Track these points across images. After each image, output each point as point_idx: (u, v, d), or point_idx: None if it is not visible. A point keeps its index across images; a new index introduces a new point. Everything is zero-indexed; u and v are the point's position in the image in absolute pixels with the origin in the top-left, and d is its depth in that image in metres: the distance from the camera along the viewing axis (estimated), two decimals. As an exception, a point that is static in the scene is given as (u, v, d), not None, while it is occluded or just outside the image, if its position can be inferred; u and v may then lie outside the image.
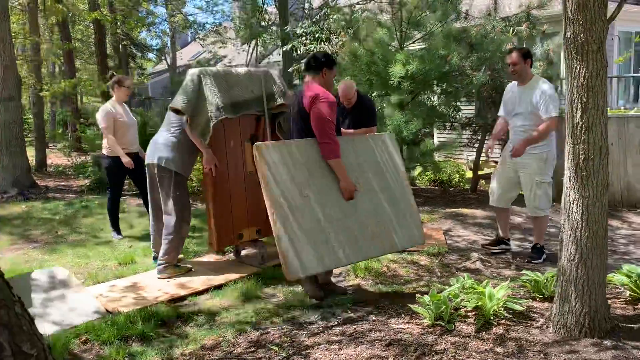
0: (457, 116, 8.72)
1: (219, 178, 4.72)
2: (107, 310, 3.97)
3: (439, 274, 4.69)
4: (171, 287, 4.45)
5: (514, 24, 7.60)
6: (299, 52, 12.15)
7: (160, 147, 4.69)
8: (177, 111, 4.57)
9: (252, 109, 4.78)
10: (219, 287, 4.47)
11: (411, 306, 3.48)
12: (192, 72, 4.59)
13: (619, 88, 12.60)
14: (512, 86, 5.08)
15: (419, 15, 7.58)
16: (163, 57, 20.96)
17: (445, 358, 2.85)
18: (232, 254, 5.36)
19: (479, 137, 8.66)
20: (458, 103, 8.48)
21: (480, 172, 8.95)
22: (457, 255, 5.21)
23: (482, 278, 4.35)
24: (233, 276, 4.66)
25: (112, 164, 5.93)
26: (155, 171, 4.69)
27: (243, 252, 5.26)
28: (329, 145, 3.83)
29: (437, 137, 10.80)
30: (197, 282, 4.55)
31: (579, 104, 2.81)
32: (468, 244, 5.67)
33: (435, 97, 8.34)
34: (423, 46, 7.66)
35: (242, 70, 4.85)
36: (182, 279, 4.61)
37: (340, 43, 9.38)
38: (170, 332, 3.63)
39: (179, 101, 4.48)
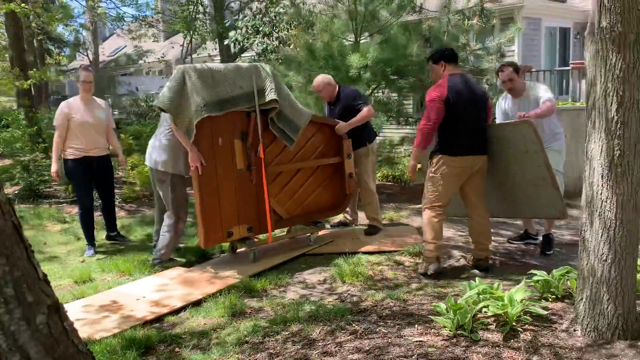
0: (404, 110, 8.67)
1: (206, 176, 4.60)
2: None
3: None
4: (145, 305, 3.99)
5: (468, 17, 7.59)
6: (238, 45, 11.72)
7: (155, 150, 4.79)
8: (162, 110, 4.49)
9: (240, 105, 4.65)
10: (197, 303, 4.08)
11: (433, 318, 3.27)
12: (177, 69, 4.53)
13: (545, 81, 13.13)
14: (505, 100, 5.04)
15: (374, 8, 7.41)
16: (84, 53, 19.64)
17: (485, 373, 2.65)
18: (199, 264, 5.03)
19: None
20: (401, 97, 8.44)
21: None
22: (439, 254, 5.07)
23: (472, 277, 4.22)
24: (210, 290, 4.28)
25: (71, 168, 5.34)
26: (154, 174, 4.85)
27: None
28: None
29: (398, 132, 10.66)
30: (173, 298, 4.12)
31: (615, 97, 2.69)
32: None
33: (390, 92, 8.23)
34: (379, 40, 7.51)
35: (231, 66, 4.75)
36: (156, 296, 4.16)
37: (289, 36, 9.06)
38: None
39: (162, 99, 4.42)
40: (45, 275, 1.73)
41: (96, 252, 5.42)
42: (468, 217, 4.69)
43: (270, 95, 4.70)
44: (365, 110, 5.31)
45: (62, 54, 22.55)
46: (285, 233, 5.48)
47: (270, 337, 3.38)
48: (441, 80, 4.34)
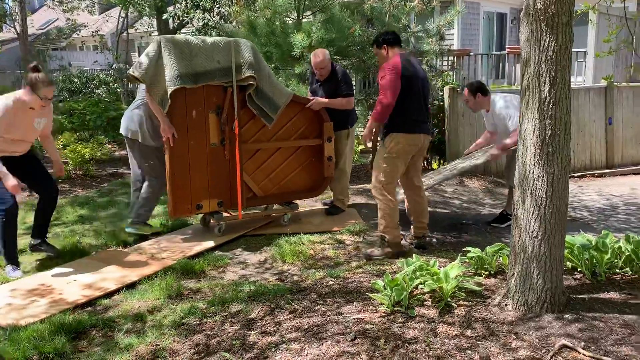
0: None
1: (178, 147, 4.64)
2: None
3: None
4: (77, 288, 3.84)
5: (409, -2, 7.61)
6: (177, 20, 11.34)
7: (127, 119, 4.84)
8: (137, 79, 4.53)
9: (217, 79, 4.65)
10: (132, 285, 3.96)
11: (371, 295, 3.29)
12: (154, 40, 4.56)
13: (482, 64, 13.48)
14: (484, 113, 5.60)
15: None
16: (11, 25, 18.45)
17: (421, 348, 2.69)
18: (135, 245, 4.87)
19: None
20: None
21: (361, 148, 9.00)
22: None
23: (410, 254, 4.29)
24: (146, 271, 4.16)
25: None
26: (125, 142, 4.92)
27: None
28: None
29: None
30: (107, 281, 3.98)
31: (547, 78, 2.75)
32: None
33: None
34: (321, 19, 7.43)
35: (209, 39, 4.71)
36: (88, 279, 4.00)
37: (230, 12, 8.84)
38: (92, 344, 3.09)
39: (137, 68, 4.47)
40: None
41: (23, 272, 4.23)
42: (406, 197, 4.77)
43: (248, 71, 4.66)
44: (348, 99, 5.33)
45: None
46: (259, 211, 5.54)
47: (208, 319, 3.33)
48: (393, 58, 4.35)
